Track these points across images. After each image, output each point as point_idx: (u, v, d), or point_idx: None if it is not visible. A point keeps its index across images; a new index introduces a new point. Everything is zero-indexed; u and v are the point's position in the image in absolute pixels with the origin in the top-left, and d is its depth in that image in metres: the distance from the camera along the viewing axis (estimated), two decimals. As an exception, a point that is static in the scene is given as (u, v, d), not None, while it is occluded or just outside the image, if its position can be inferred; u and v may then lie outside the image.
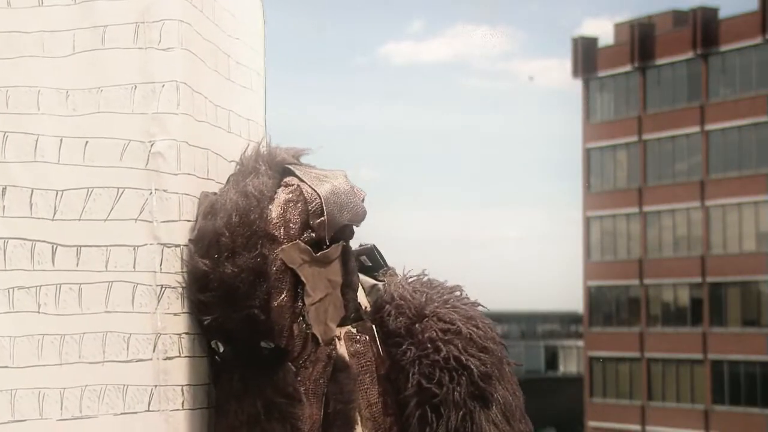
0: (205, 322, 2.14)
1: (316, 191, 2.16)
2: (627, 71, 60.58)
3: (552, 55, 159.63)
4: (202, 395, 2.19)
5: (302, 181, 2.17)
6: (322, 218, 2.14)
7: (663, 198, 58.80)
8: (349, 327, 2.23)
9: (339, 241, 2.18)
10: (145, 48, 2.20)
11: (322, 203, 2.15)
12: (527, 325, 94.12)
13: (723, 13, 57.69)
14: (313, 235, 2.14)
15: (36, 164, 2.11)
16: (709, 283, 56.63)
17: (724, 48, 56.45)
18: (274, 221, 2.12)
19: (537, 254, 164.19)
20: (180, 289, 2.17)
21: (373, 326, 2.24)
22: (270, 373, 2.14)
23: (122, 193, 2.17)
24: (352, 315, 2.23)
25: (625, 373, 60.45)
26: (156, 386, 2.14)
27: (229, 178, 2.21)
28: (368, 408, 2.19)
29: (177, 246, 2.18)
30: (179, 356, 2.16)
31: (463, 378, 2.25)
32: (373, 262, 2.37)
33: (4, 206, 2.10)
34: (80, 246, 2.14)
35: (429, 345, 2.25)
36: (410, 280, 2.36)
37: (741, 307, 55.82)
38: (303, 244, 2.13)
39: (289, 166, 2.21)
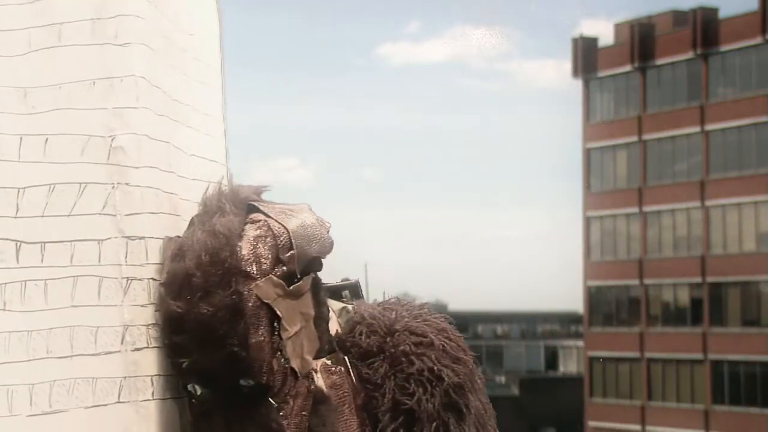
0: (184, 365, 2.14)
1: (283, 225, 2.18)
2: (627, 71, 60.58)
3: (551, 55, 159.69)
4: (173, 385, 2.20)
5: (268, 216, 2.19)
6: (292, 251, 2.15)
7: (663, 198, 58.79)
8: (324, 359, 2.24)
9: (309, 273, 2.19)
10: (102, 44, 2.21)
11: (290, 237, 2.16)
12: (527, 325, 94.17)
13: (723, 13, 57.73)
14: (285, 269, 2.15)
15: None
16: (709, 283, 56.63)
17: (724, 48, 56.44)
18: (246, 257, 2.13)
19: (537, 254, 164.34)
20: (146, 281, 2.17)
21: (346, 357, 2.25)
22: (252, 411, 2.14)
23: (85, 188, 2.17)
24: (326, 347, 2.24)
25: (625, 373, 60.44)
26: (125, 378, 2.14)
27: (192, 219, 2.21)
28: None
29: (141, 238, 2.18)
30: (148, 347, 2.16)
31: (437, 389, 2.25)
32: (354, 297, 2.39)
33: None
34: (44, 242, 2.14)
35: (403, 359, 2.26)
36: (379, 301, 2.38)
37: (741, 307, 55.81)
38: (276, 278, 2.14)
39: (253, 203, 2.22)
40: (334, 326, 2.29)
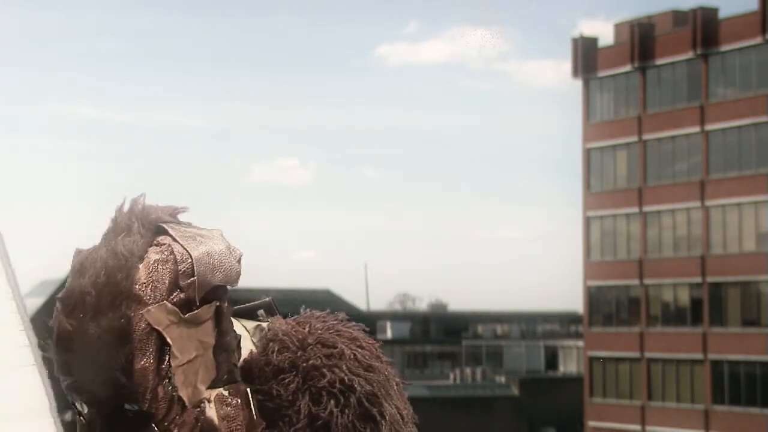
0: (66, 384, 2.12)
1: (187, 251, 2.14)
2: (627, 71, 60.63)
3: (551, 55, 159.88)
4: (35, 354, 2.23)
5: (175, 240, 2.15)
6: (193, 279, 2.11)
7: (663, 198, 58.82)
8: (221, 389, 2.19)
9: (212, 301, 2.15)
10: None
11: (193, 263, 2.12)
12: (527, 325, 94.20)
13: (723, 13, 57.76)
14: (183, 295, 2.11)
15: None
16: (709, 283, 56.66)
17: (724, 48, 56.49)
18: (141, 281, 2.10)
19: (537, 254, 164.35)
20: None
21: (248, 389, 2.21)
22: (134, 427, 2.10)
23: None
24: (224, 377, 2.19)
25: (625, 373, 60.48)
26: None
27: (103, 235, 2.18)
28: None
29: None
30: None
31: (350, 399, 2.21)
32: (270, 315, 2.34)
33: None
34: None
35: (315, 372, 2.22)
36: (294, 317, 2.34)
37: (741, 307, 55.85)
38: (170, 305, 2.10)
39: (164, 225, 2.18)
40: (249, 346, 2.26)
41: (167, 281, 2.10)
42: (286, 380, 2.21)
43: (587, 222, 62.65)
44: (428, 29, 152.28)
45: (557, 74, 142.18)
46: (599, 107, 62.53)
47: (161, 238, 2.15)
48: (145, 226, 2.17)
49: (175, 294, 2.10)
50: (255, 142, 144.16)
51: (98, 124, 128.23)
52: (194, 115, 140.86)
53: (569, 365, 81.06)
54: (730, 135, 56.34)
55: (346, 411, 2.20)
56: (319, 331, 2.28)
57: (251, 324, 2.30)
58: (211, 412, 2.16)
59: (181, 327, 2.12)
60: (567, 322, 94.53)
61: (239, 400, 2.19)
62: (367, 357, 2.28)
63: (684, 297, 58.53)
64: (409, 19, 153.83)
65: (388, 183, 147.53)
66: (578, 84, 63.30)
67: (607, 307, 62.06)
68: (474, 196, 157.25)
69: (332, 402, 2.20)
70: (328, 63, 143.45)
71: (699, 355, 56.87)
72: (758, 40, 54.68)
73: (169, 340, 2.10)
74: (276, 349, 2.24)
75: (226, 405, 2.18)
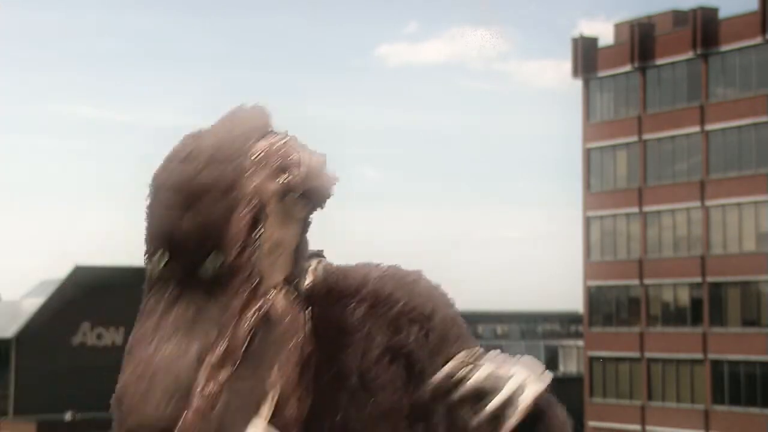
0: (158, 229, 2.14)
1: (302, 146, 2.24)
2: (627, 71, 60.64)
3: (551, 55, 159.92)
4: None
5: (291, 136, 2.25)
6: (302, 169, 2.20)
7: (663, 198, 58.83)
8: (290, 289, 2.21)
9: (309, 200, 2.22)
10: None
11: (302, 157, 2.21)
12: (527, 325, 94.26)
13: (723, 13, 57.76)
14: (289, 180, 2.19)
15: None
16: (709, 283, 56.67)
17: (724, 48, 56.50)
18: (257, 151, 2.18)
19: (537, 254, 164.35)
20: None
21: (308, 308, 2.22)
22: (209, 290, 2.12)
23: None
24: (294, 280, 2.22)
25: (625, 373, 60.49)
26: None
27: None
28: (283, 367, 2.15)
29: None
30: None
31: (432, 323, 2.22)
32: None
33: None
34: None
35: (389, 299, 2.22)
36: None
37: (741, 307, 55.85)
38: (279, 183, 2.18)
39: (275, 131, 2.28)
40: (309, 278, 2.28)
41: (278, 162, 2.19)
42: (351, 305, 2.22)
43: (587, 222, 62.66)
44: (428, 29, 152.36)
45: (557, 74, 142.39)
46: (599, 107, 62.54)
47: (279, 132, 2.25)
48: (261, 124, 2.25)
49: (283, 177, 2.18)
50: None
51: (98, 124, 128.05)
52: (194, 115, 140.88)
53: (569, 365, 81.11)
54: (730, 135, 56.35)
55: (430, 335, 2.20)
56: (383, 269, 2.29)
57: (313, 259, 2.32)
58: (280, 302, 2.17)
59: (279, 206, 2.18)
60: (567, 322, 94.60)
61: (301, 311, 2.20)
62: (437, 287, 2.29)
63: (684, 297, 58.53)
64: (409, 19, 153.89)
65: (388, 183, 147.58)
66: (578, 84, 63.34)
67: (607, 307, 62.07)
68: (474, 196, 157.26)
69: (415, 328, 2.19)
70: (328, 63, 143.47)
71: (699, 355, 56.88)
72: (758, 40, 54.69)
73: (267, 210, 2.16)
74: (340, 277, 2.27)
75: (291, 306, 2.19)
